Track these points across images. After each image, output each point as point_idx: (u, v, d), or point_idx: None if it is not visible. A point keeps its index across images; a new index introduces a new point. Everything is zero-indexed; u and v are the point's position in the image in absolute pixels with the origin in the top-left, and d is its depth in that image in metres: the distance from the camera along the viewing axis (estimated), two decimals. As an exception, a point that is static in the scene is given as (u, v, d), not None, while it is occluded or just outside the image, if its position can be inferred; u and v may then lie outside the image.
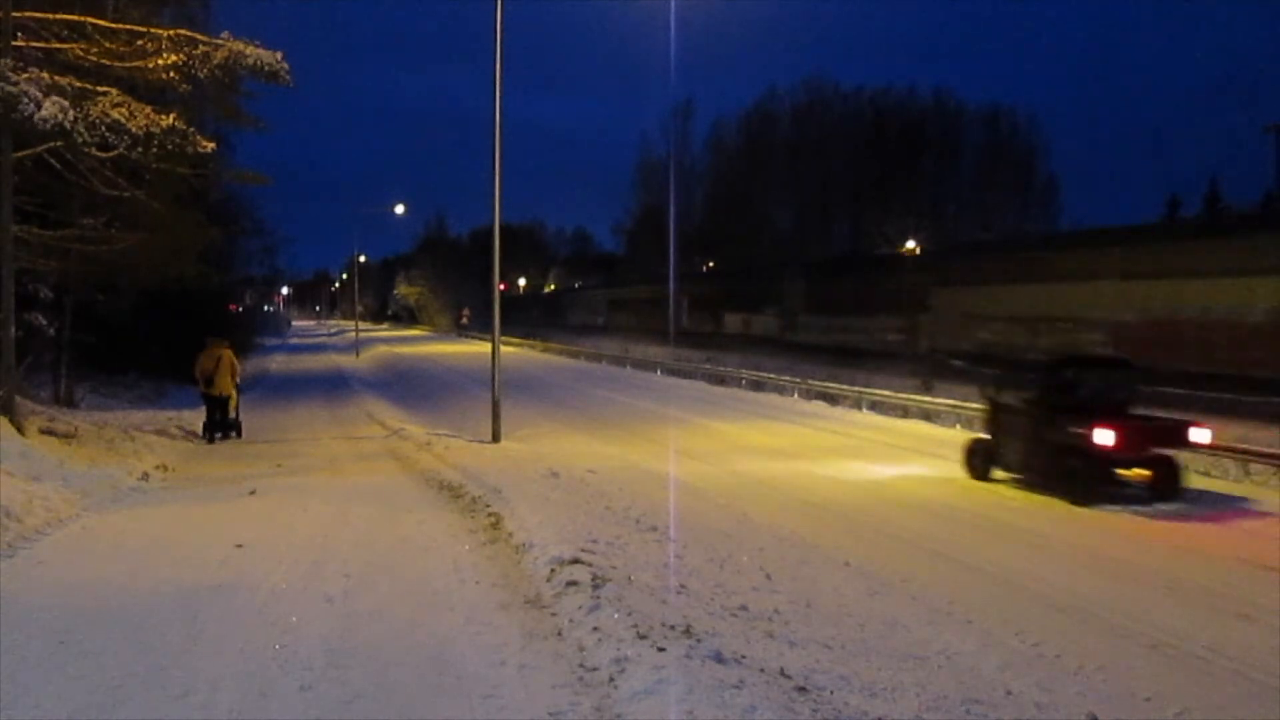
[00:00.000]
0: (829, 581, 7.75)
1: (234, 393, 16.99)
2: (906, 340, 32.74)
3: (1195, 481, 12.25)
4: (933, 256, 35.19)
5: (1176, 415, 13.09)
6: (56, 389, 20.33)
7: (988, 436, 13.40)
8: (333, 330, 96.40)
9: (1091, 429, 11.34)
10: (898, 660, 5.86)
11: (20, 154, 13.21)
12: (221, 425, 16.75)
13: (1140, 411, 12.72)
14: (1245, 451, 13.26)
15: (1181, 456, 12.05)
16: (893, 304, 33.96)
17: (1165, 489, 11.63)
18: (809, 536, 9.45)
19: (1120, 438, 11.29)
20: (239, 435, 17.05)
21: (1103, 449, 11.31)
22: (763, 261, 51.45)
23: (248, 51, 13.00)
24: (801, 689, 4.95)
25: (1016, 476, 12.65)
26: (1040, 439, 12.15)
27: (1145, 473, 11.72)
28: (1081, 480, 11.49)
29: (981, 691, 5.42)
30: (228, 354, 16.91)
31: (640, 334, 50.38)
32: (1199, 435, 11.77)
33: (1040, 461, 12.16)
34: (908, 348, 31.64)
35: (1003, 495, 12.10)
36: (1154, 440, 11.90)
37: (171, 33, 13.13)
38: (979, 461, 13.09)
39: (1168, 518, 10.77)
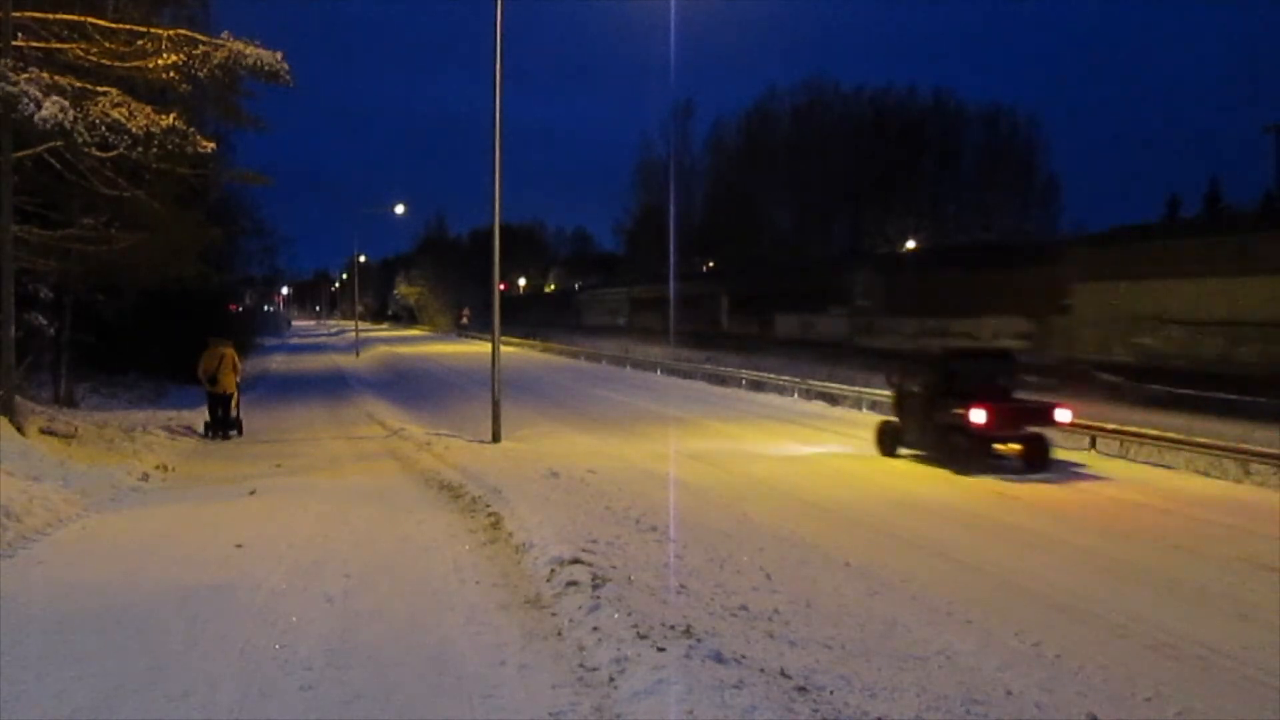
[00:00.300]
0: (829, 581, 7.76)
1: (236, 391, 17.34)
2: (1033, 347, 25.62)
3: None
4: (1080, 242, 28.29)
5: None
6: (56, 389, 20.34)
7: (894, 419, 15.32)
8: (333, 330, 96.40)
9: (968, 410, 13.28)
10: (898, 660, 5.86)
11: (20, 154, 13.21)
12: (223, 423, 17.07)
13: (1020, 396, 14.79)
14: (1098, 429, 15.39)
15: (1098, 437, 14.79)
16: (1013, 302, 27.55)
17: (1035, 461, 13.50)
18: (809, 536, 9.45)
19: (992, 417, 13.25)
20: (240, 433, 17.31)
21: (978, 427, 13.24)
22: (820, 254, 48.69)
23: (248, 51, 13.01)
24: (801, 689, 4.95)
25: (916, 452, 14.58)
26: (931, 420, 14.18)
27: (1017, 447, 13.57)
28: (962, 453, 13.52)
29: (982, 691, 5.42)
30: (230, 353, 17.31)
31: (668, 336, 44.60)
32: (1061, 415, 13.78)
33: (931, 439, 14.24)
34: (1037, 356, 24.30)
35: (899, 466, 14.39)
36: (1025, 420, 13.78)
37: (171, 33, 13.14)
38: (887, 440, 15.06)
39: (1030, 482, 12.83)
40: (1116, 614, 7.10)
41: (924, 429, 14.38)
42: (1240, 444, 13.64)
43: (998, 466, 13.35)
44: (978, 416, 13.17)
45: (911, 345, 27.81)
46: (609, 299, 67.42)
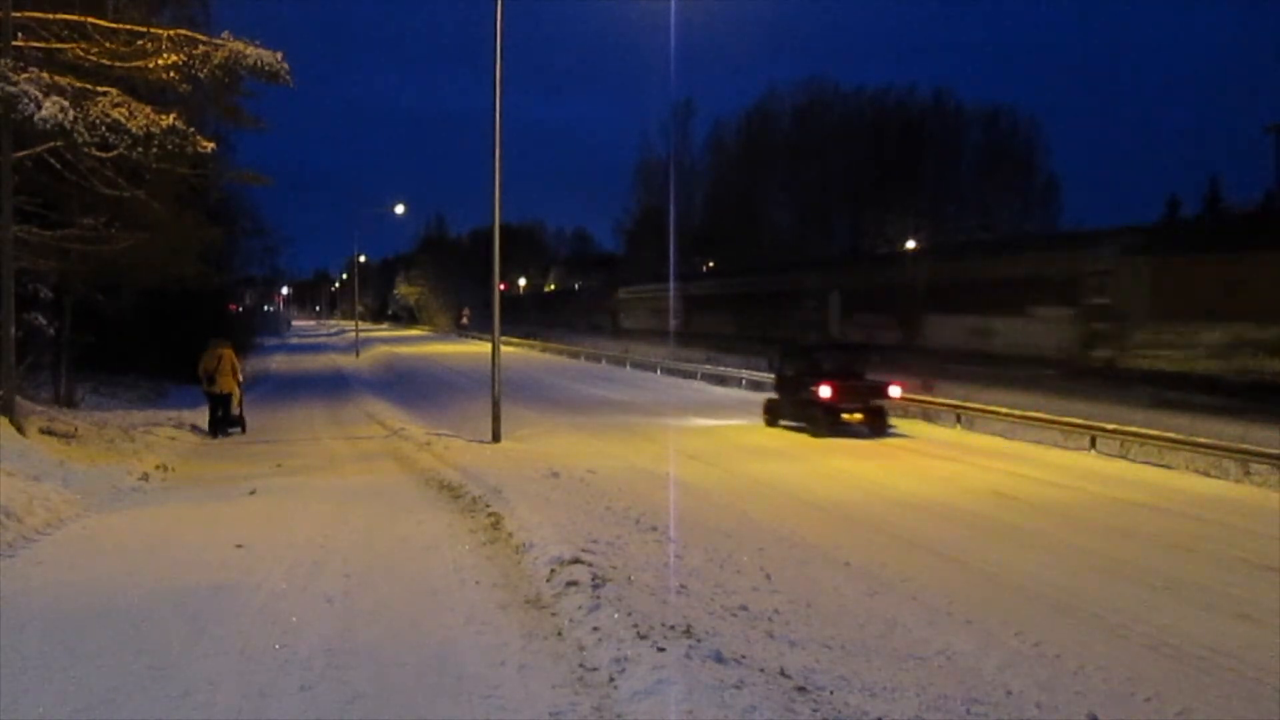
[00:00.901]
0: (829, 581, 7.76)
1: (236, 390, 17.66)
2: None
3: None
4: None
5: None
6: (56, 389, 20.33)
7: (776, 397, 19.20)
8: (333, 330, 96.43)
9: (818, 387, 17.18)
10: (898, 660, 5.86)
11: (20, 154, 13.21)
12: (224, 421, 17.33)
13: (870, 377, 18.35)
14: (921, 401, 19.31)
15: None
16: None
17: (875, 426, 17.40)
18: (809, 536, 9.45)
19: (837, 393, 17.15)
20: (243, 430, 17.57)
21: (826, 400, 17.12)
22: (885, 250, 41.55)
23: (248, 51, 13.00)
24: (801, 689, 4.95)
25: (789, 423, 18.30)
26: (798, 396, 18.06)
27: (859, 416, 17.36)
28: (817, 422, 17.37)
29: (982, 691, 5.42)
30: (229, 353, 17.54)
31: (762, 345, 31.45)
32: (894, 391, 17.78)
33: (798, 411, 18.09)
34: None
35: (776, 432, 17.97)
36: (865, 395, 17.58)
37: (171, 33, 13.14)
38: (770, 414, 19.03)
39: (867, 439, 17.01)
40: (1116, 614, 7.10)
41: (794, 404, 18.28)
42: (1240, 444, 13.63)
43: (846, 431, 17.21)
44: (825, 392, 17.17)
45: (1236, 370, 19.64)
46: (649, 299, 53.92)
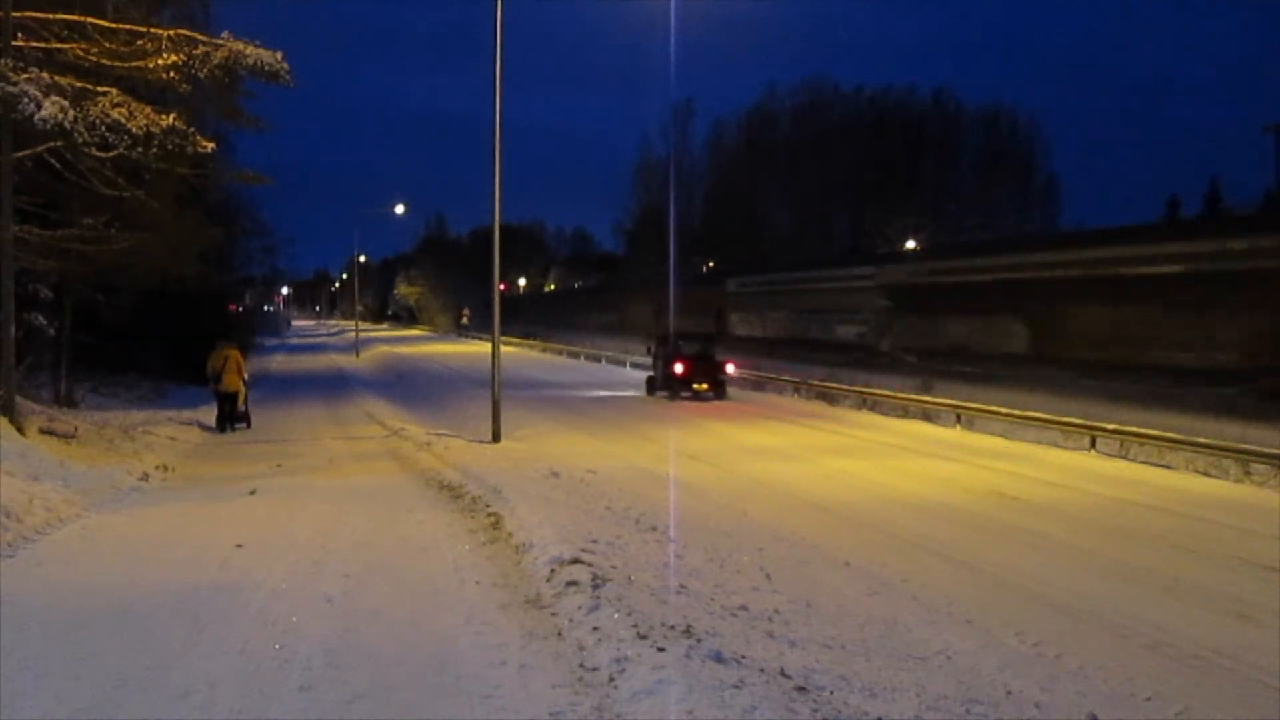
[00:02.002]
0: (829, 581, 7.76)
1: (242, 388, 18.65)
2: None
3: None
4: None
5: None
6: (56, 389, 20.32)
7: (653, 374, 25.85)
8: (333, 330, 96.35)
9: (672, 364, 24.05)
10: (898, 660, 5.86)
11: (20, 154, 13.20)
12: (231, 417, 18.34)
13: (715, 358, 25.03)
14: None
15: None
16: None
17: (716, 393, 24.03)
18: (809, 536, 9.45)
19: (686, 369, 23.92)
20: (248, 425, 18.53)
21: (678, 375, 23.86)
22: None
23: (248, 51, 12.99)
24: (801, 689, 4.95)
25: (661, 393, 24.47)
26: (664, 372, 24.59)
27: (704, 386, 23.92)
28: (668, 389, 24.15)
29: (982, 691, 5.42)
30: (235, 354, 18.65)
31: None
32: (730, 368, 25.04)
33: (664, 383, 24.49)
34: None
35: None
36: (708, 371, 24.26)
37: (171, 33, 13.12)
38: (649, 387, 25.61)
39: (707, 402, 23.75)
40: (1116, 614, 7.10)
41: (663, 378, 24.66)
42: (1241, 444, 13.63)
43: (696, 396, 23.85)
44: (677, 368, 23.95)
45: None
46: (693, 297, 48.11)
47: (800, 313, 43.17)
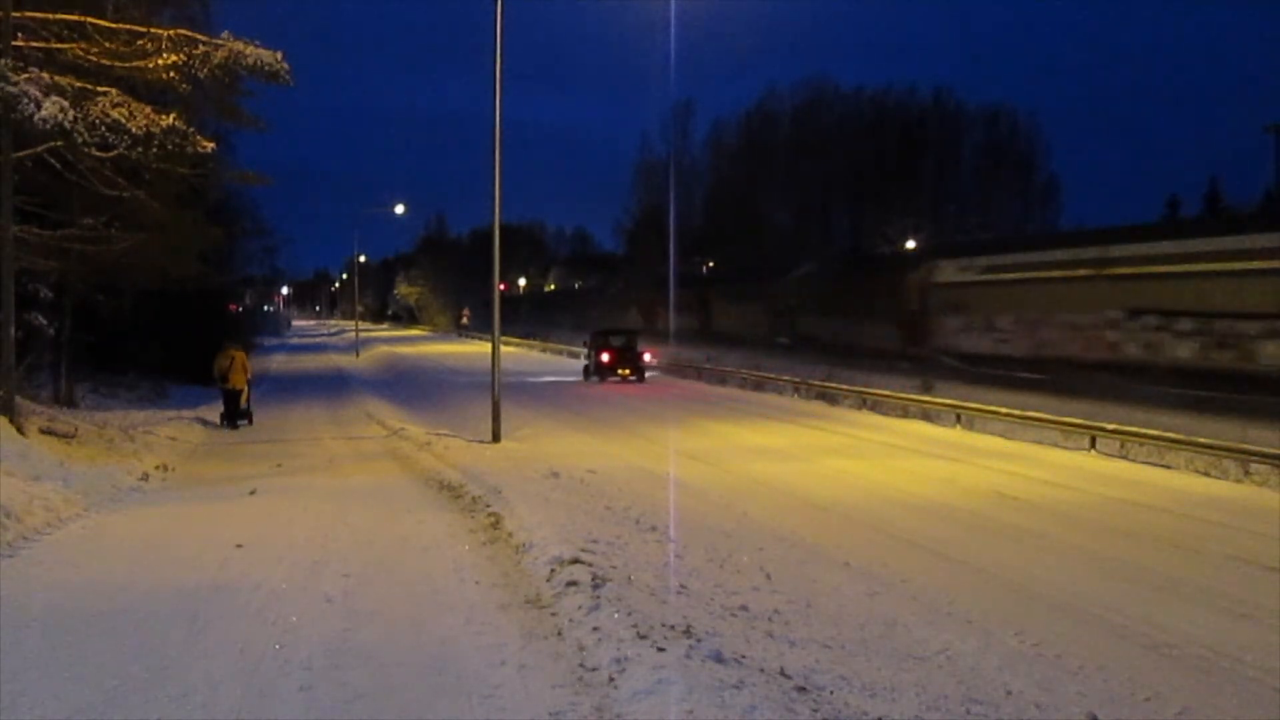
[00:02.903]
0: (829, 581, 7.76)
1: (246, 387, 19.62)
2: None
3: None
4: None
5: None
6: (56, 389, 20.32)
7: (587, 362, 30.43)
8: (333, 330, 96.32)
9: (600, 354, 29.42)
10: (898, 660, 5.86)
11: (20, 154, 13.19)
12: (236, 414, 19.26)
13: (636, 349, 30.11)
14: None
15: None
16: None
17: (636, 378, 29.01)
18: (809, 536, 9.45)
19: (611, 358, 29.25)
20: (250, 422, 19.40)
21: (604, 362, 29.15)
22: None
23: (248, 51, 12.98)
24: (801, 689, 4.95)
25: (594, 378, 29.26)
26: (594, 360, 29.68)
27: (626, 371, 29.05)
28: (599, 375, 29.16)
29: (982, 691, 5.42)
30: (240, 355, 19.54)
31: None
32: (648, 357, 30.28)
33: (595, 369, 29.44)
34: None
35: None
36: (630, 359, 29.41)
37: (171, 33, 13.12)
38: (585, 374, 30.37)
39: (630, 384, 28.41)
40: (1116, 614, 7.10)
41: (594, 365, 29.51)
42: (1241, 444, 13.62)
43: (619, 381, 28.64)
44: (604, 357, 29.25)
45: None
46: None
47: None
